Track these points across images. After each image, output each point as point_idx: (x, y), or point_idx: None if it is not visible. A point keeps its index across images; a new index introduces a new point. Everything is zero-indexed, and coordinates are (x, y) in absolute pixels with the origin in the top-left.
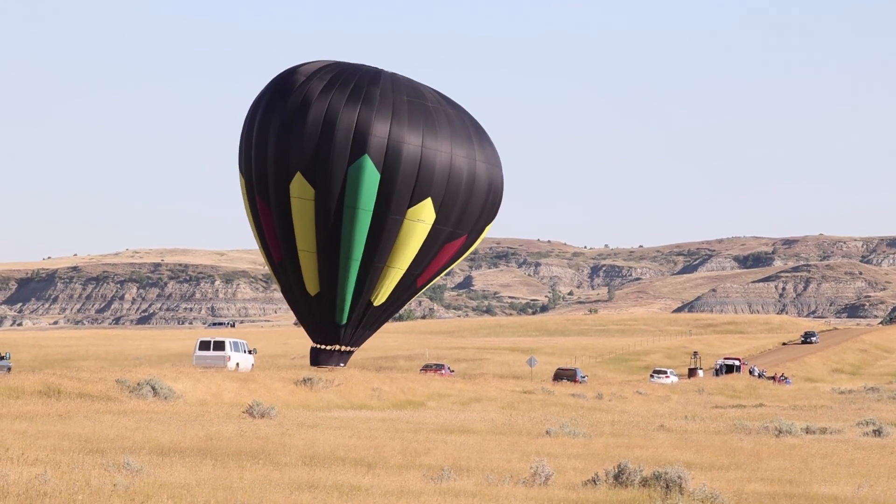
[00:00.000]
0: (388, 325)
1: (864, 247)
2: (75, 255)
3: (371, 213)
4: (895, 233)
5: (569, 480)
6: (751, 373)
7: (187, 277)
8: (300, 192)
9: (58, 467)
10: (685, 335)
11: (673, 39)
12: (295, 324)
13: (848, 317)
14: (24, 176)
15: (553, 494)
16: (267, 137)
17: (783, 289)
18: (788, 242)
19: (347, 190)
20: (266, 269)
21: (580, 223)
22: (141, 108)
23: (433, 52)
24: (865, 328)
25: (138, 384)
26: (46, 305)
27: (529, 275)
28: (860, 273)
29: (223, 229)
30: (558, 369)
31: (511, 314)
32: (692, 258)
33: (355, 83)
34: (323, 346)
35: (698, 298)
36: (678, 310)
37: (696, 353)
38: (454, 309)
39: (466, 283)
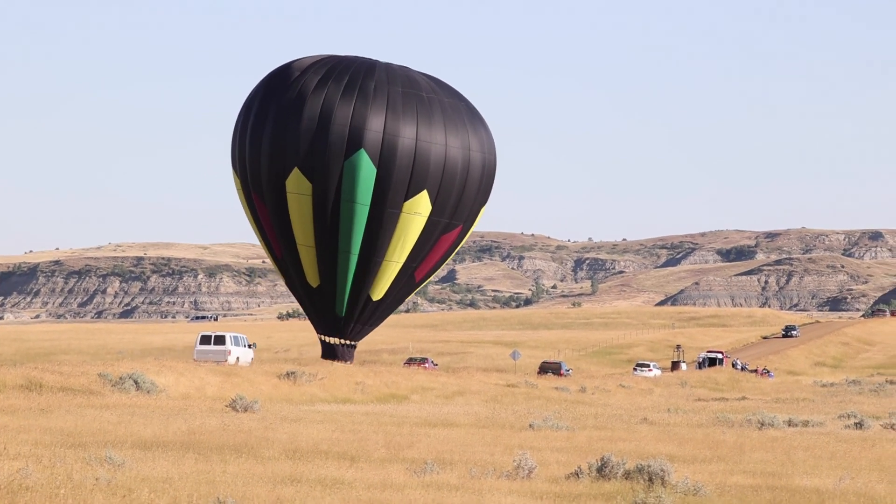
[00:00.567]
0: None
1: (847, 240)
2: (57, 248)
3: (368, 207)
4: (877, 226)
5: (552, 473)
6: (734, 366)
7: (170, 271)
8: (297, 187)
9: (39, 461)
10: (668, 328)
11: (655, 32)
12: (279, 317)
13: (830, 310)
14: (6, 170)
15: (536, 487)
16: (262, 134)
17: (766, 282)
18: (771, 236)
19: (344, 184)
20: (248, 263)
21: (563, 217)
22: (123, 104)
23: (421, 44)
24: (847, 321)
25: (121, 378)
26: (28, 299)
27: (513, 268)
28: (842, 266)
29: (206, 223)
30: (543, 363)
31: (494, 308)
32: (675, 251)
33: (350, 76)
34: (327, 339)
35: (681, 292)
36: (661, 303)
37: (679, 347)
38: (438, 302)
39: (450, 277)
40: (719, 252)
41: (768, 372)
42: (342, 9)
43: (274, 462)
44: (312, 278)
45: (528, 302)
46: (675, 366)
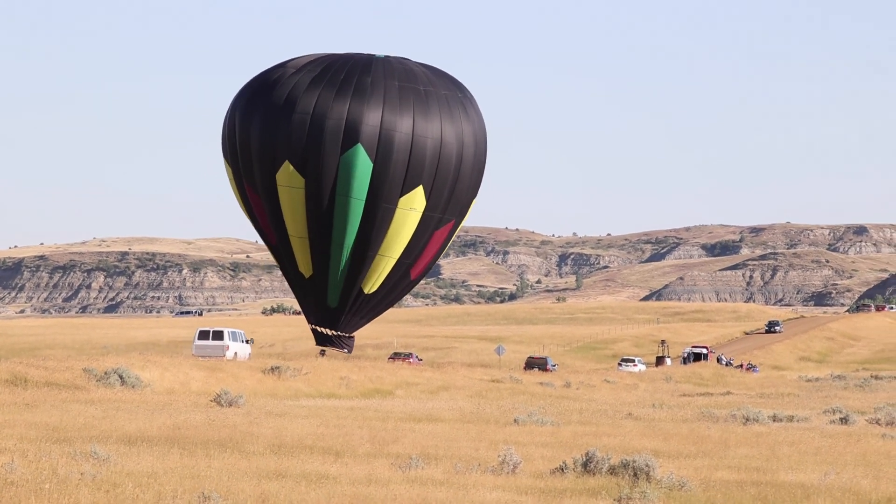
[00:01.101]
0: None
1: (831, 235)
2: (42, 243)
3: (363, 202)
4: (861, 221)
5: (537, 469)
6: (718, 361)
7: (155, 266)
8: (288, 180)
9: (24, 456)
10: (653, 323)
11: (639, 28)
12: (263, 313)
13: (815, 305)
14: None
15: (521, 483)
16: (253, 127)
17: (750, 277)
18: (755, 230)
19: (340, 179)
20: (233, 258)
21: (548, 211)
22: (109, 99)
23: (405, 34)
24: (832, 316)
25: (105, 373)
26: (13, 294)
27: (497, 263)
28: (827, 261)
29: (191, 218)
30: (529, 358)
31: (479, 303)
32: (660, 246)
33: (346, 72)
34: (320, 329)
35: (666, 286)
36: (646, 298)
37: (663, 342)
38: (422, 297)
39: (434, 272)
40: (704, 247)
41: (753, 367)
42: (337, 6)
43: (259, 457)
44: (305, 268)
45: (512, 297)
46: (659, 361)
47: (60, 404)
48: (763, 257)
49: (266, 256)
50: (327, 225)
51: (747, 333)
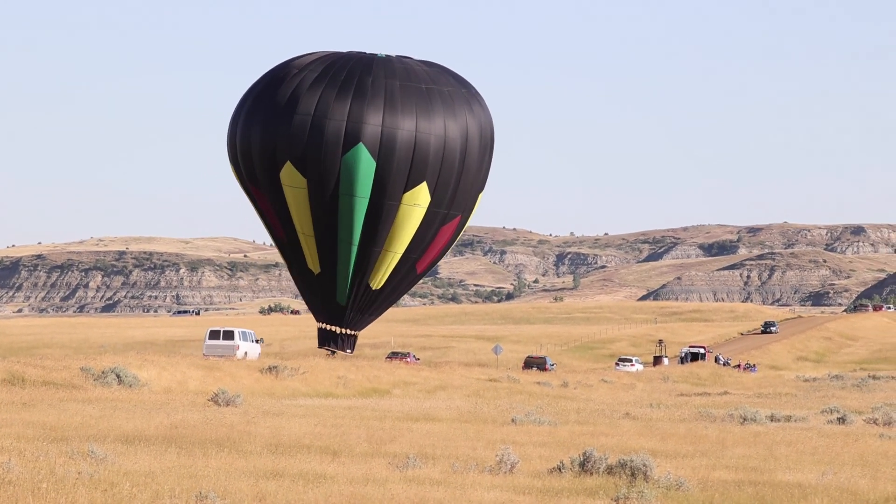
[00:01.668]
0: None
1: (829, 235)
2: (39, 242)
3: (367, 200)
4: (859, 221)
5: (534, 468)
6: (716, 361)
7: (152, 265)
8: (291, 180)
9: (22, 455)
10: (650, 323)
11: (636, 27)
12: (261, 312)
13: (812, 304)
14: None
15: (518, 482)
16: (255, 128)
17: (748, 277)
18: (753, 230)
19: (342, 178)
20: (230, 257)
21: (546, 211)
22: (107, 98)
23: (399, 31)
24: (829, 316)
25: (103, 372)
26: (10, 293)
27: (495, 262)
28: (824, 261)
29: (188, 217)
30: (528, 357)
31: (476, 302)
32: (657, 246)
33: (347, 73)
34: (327, 327)
35: (663, 286)
36: (643, 298)
37: (661, 342)
38: (420, 297)
39: (432, 272)
40: (701, 247)
41: (752, 367)
42: (342, 5)
43: (256, 456)
44: (314, 265)
45: (510, 296)
46: (657, 361)
47: (58, 403)
48: (760, 257)
49: (263, 256)
50: (332, 223)
51: (743, 334)
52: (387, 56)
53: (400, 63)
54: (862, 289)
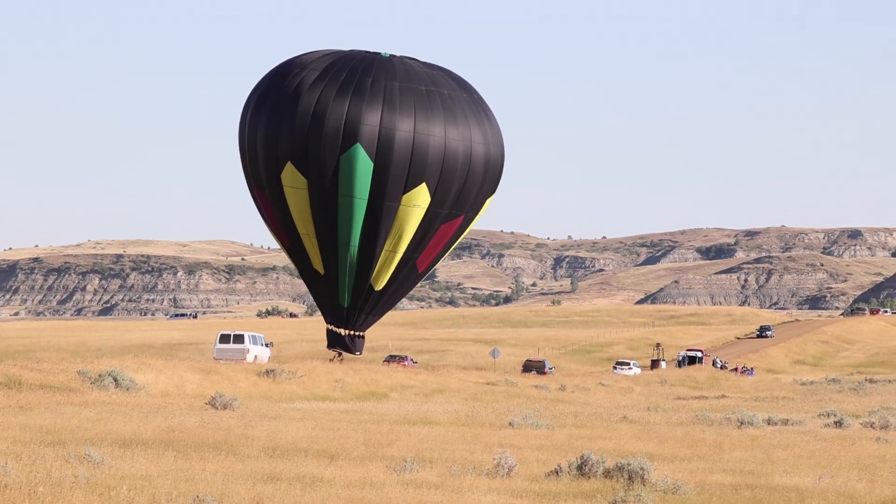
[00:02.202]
0: None
1: (826, 238)
2: (36, 246)
3: (366, 201)
4: (856, 224)
5: (532, 472)
6: (713, 364)
7: (149, 268)
8: (292, 181)
9: (18, 459)
10: (648, 327)
11: (635, 30)
12: (258, 315)
13: (809, 308)
14: None
15: (516, 486)
16: (258, 127)
17: (745, 280)
18: (751, 234)
19: (341, 179)
20: (228, 260)
21: (543, 214)
22: (105, 100)
23: (397, 33)
24: (827, 319)
25: (100, 375)
26: (7, 297)
27: (493, 266)
28: (821, 265)
29: (186, 220)
30: (527, 361)
31: (474, 305)
32: (655, 249)
33: (348, 72)
34: (336, 329)
35: (661, 290)
36: (641, 301)
37: (658, 345)
38: (417, 300)
39: (430, 275)
40: (699, 250)
41: (749, 370)
42: (349, 7)
43: (253, 460)
44: (318, 266)
45: (507, 300)
46: (654, 364)
47: (55, 407)
48: (758, 261)
49: (261, 259)
50: (332, 224)
51: (739, 338)
52: (390, 56)
53: (401, 64)
54: (859, 292)
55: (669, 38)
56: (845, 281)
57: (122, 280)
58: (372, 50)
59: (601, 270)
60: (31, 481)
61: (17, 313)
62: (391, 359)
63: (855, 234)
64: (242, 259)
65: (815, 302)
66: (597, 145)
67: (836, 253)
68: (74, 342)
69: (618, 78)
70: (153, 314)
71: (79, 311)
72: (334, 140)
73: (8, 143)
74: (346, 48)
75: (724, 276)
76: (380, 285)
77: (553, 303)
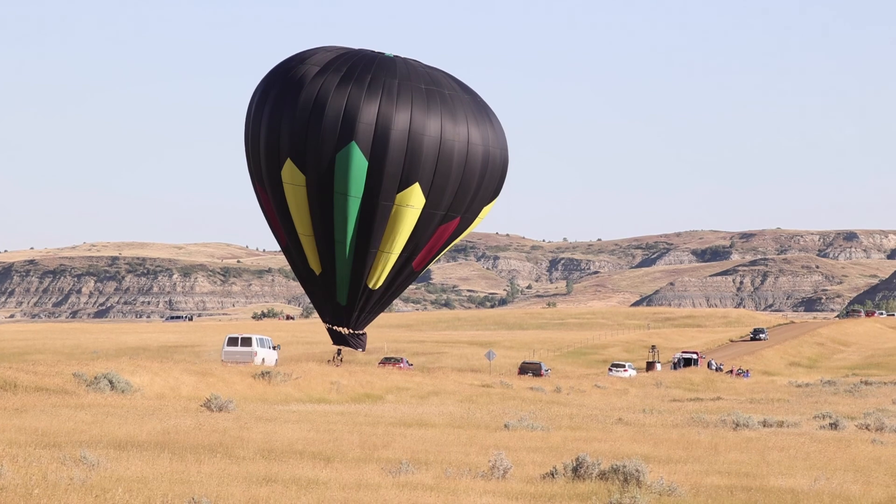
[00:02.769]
0: None
1: (821, 241)
2: (32, 248)
3: (360, 200)
4: (851, 227)
5: (527, 474)
6: (709, 366)
7: (145, 271)
8: (291, 178)
9: (14, 461)
10: (643, 329)
11: (633, 32)
12: (254, 317)
13: (805, 310)
14: None
15: (511, 488)
16: (260, 124)
17: (741, 282)
18: (746, 236)
19: (337, 177)
20: (223, 262)
21: (538, 217)
22: (101, 103)
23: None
24: (822, 321)
25: (95, 378)
26: (3, 299)
27: (488, 268)
28: (817, 267)
29: (181, 223)
30: (523, 363)
31: (470, 308)
32: (650, 252)
33: (347, 70)
34: (334, 328)
35: (656, 292)
36: (636, 303)
37: (654, 347)
38: (413, 302)
39: (425, 277)
40: (694, 252)
41: (744, 372)
42: (354, 8)
43: (249, 462)
44: (315, 265)
45: (503, 302)
46: (650, 366)
47: (50, 409)
48: (753, 263)
49: (256, 261)
50: (329, 223)
51: (733, 341)
52: (393, 56)
53: (403, 64)
54: (854, 294)
55: (665, 41)
56: (840, 283)
57: (118, 282)
58: (376, 50)
59: (596, 273)
60: (27, 483)
61: (12, 315)
62: (387, 361)
63: (850, 237)
64: (238, 261)
65: (810, 304)
66: (592, 148)
67: (831, 255)
68: (70, 345)
69: (613, 81)
70: (149, 316)
71: (74, 314)
72: (331, 137)
73: (2, 145)
74: (347, 46)
75: (719, 278)
76: (376, 285)
77: (548, 305)
